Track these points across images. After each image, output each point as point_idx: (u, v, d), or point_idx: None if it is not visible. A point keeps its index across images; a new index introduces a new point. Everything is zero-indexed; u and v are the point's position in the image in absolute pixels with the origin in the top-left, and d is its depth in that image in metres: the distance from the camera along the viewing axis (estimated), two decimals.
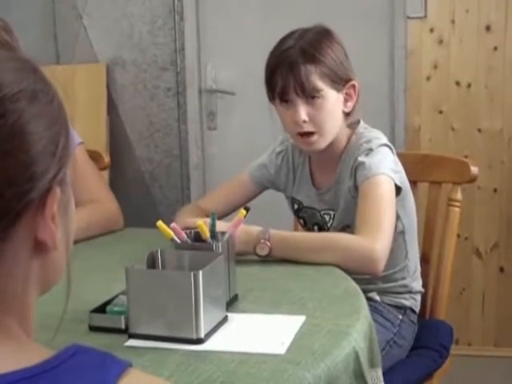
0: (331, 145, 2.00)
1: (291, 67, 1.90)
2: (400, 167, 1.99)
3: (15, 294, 0.74)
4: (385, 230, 1.80)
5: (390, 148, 1.98)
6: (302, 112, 1.92)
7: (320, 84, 1.91)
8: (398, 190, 1.93)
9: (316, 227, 2.11)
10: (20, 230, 0.71)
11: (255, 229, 1.80)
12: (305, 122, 1.92)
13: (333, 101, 1.95)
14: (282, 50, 1.94)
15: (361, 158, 1.92)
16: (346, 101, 1.98)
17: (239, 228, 1.67)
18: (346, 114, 2.01)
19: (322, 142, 1.97)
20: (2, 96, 0.69)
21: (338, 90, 1.95)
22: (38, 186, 0.71)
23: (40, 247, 0.74)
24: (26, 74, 0.73)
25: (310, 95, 1.91)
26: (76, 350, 0.70)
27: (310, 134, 1.95)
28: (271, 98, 1.99)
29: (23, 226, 0.71)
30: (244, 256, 1.77)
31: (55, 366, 0.67)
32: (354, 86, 1.98)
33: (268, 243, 1.77)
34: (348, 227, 1.96)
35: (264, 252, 1.78)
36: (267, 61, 1.97)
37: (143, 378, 0.72)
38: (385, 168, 1.89)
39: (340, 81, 1.95)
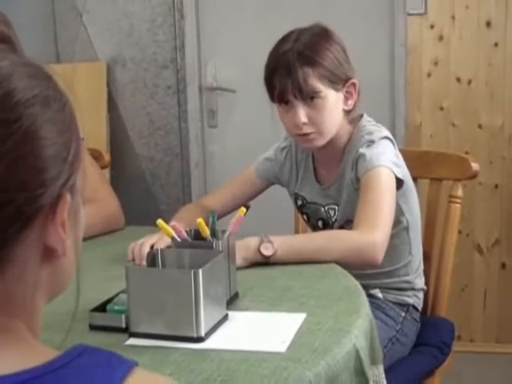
0: (333, 141, 2.00)
1: (288, 71, 1.89)
2: (401, 161, 1.98)
3: (24, 298, 0.74)
4: (383, 221, 1.81)
5: (392, 141, 1.98)
6: (302, 114, 1.92)
7: (318, 85, 1.91)
8: (400, 183, 1.93)
9: (320, 222, 2.10)
10: (30, 235, 0.72)
11: (253, 237, 1.78)
12: (304, 124, 1.92)
13: (332, 100, 1.94)
14: (279, 53, 1.93)
15: (362, 150, 1.92)
16: (346, 99, 1.98)
17: (237, 242, 1.66)
18: (347, 112, 2.01)
19: (320, 140, 1.97)
20: (16, 101, 0.70)
21: (338, 90, 1.95)
22: (49, 192, 0.71)
23: (50, 254, 0.74)
24: (39, 80, 0.74)
25: (309, 96, 1.91)
26: (82, 350, 0.70)
27: (309, 133, 1.95)
28: (271, 98, 1.99)
29: (34, 231, 0.72)
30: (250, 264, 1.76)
31: (62, 365, 0.68)
32: (354, 84, 1.98)
33: (273, 244, 1.76)
34: (351, 222, 1.94)
35: (269, 251, 1.75)
36: (266, 63, 1.97)
37: (149, 376, 0.72)
38: (385, 160, 1.89)
39: (339, 81, 1.94)
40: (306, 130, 1.93)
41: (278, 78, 1.92)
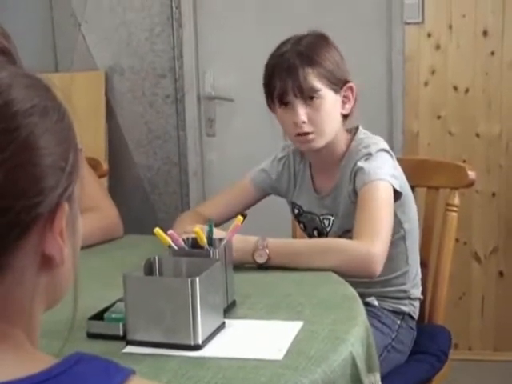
0: (330, 147, 2.01)
1: (289, 70, 1.92)
2: (400, 172, 2.00)
3: (23, 305, 0.75)
4: (382, 234, 1.81)
5: (389, 153, 1.99)
6: (301, 113, 1.94)
7: (318, 84, 1.93)
8: (398, 194, 1.94)
9: (316, 232, 2.11)
10: (28, 243, 0.72)
11: (252, 237, 1.81)
12: (304, 122, 1.94)
13: (331, 102, 1.96)
14: (279, 54, 1.97)
15: (360, 163, 1.93)
16: (344, 103, 2.01)
17: (235, 237, 1.68)
18: (345, 117, 2.02)
19: (318, 141, 1.98)
20: (14, 111, 0.71)
21: (336, 92, 1.97)
22: (47, 201, 0.72)
23: (48, 262, 0.75)
24: (37, 91, 0.75)
25: (309, 96, 1.93)
26: (79, 358, 0.71)
27: (308, 132, 1.96)
28: (270, 102, 2.01)
29: (32, 239, 0.72)
30: (242, 265, 1.77)
31: (59, 373, 0.68)
32: (351, 88, 2.00)
33: (266, 250, 1.78)
34: (349, 231, 1.95)
35: (262, 259, 1.78)
36: (265, 66, 2.00)
37: None
38: (384, 174, 1.90)
39: (337, 82, 1.97)
40: (306, 128, 1.95)
41: (278, 77, 1.95)
